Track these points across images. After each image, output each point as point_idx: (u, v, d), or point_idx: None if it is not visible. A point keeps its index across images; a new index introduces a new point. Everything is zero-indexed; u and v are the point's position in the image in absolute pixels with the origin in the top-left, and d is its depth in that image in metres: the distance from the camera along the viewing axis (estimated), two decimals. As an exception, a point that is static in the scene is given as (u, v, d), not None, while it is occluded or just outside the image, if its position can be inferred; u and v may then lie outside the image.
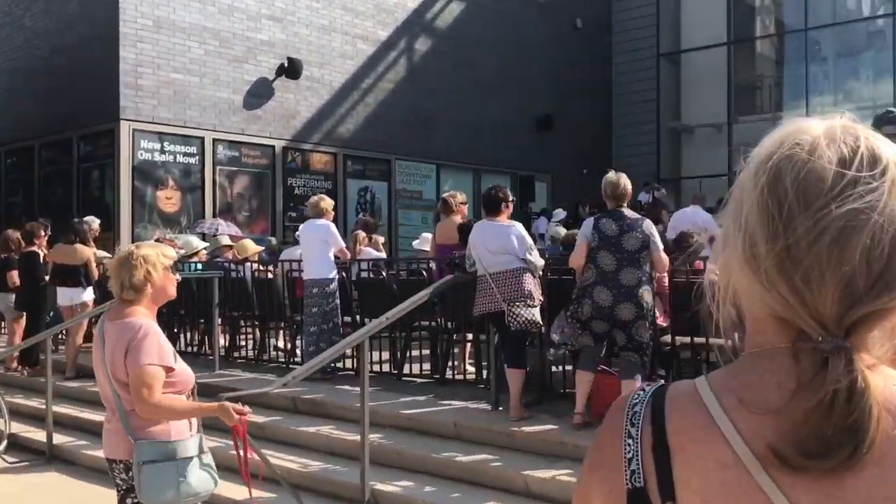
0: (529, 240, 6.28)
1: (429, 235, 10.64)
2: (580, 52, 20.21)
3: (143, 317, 3.49)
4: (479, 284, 6.32)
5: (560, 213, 15.21)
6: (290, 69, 14.91)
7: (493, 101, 18.24)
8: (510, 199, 6.43)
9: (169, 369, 3.41)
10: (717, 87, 19.97)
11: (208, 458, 3.56)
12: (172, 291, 3.65)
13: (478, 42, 18.03)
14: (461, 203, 8.50)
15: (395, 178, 17.00)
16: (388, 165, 16.91)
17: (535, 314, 6.12)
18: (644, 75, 20.36)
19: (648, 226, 5.72)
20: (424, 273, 7.76)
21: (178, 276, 3.69)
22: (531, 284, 6.18)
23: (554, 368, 6.86)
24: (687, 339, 6.11)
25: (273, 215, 15.08)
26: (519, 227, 6.32)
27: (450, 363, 7.97)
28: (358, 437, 6.24)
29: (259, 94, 14.74)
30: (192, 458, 3.49)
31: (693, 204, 11.55)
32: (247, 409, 3.61)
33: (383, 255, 10.58)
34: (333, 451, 6.46)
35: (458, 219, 8.31)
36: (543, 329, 6.34)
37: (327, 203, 8.20)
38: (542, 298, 6.22)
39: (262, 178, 14.96)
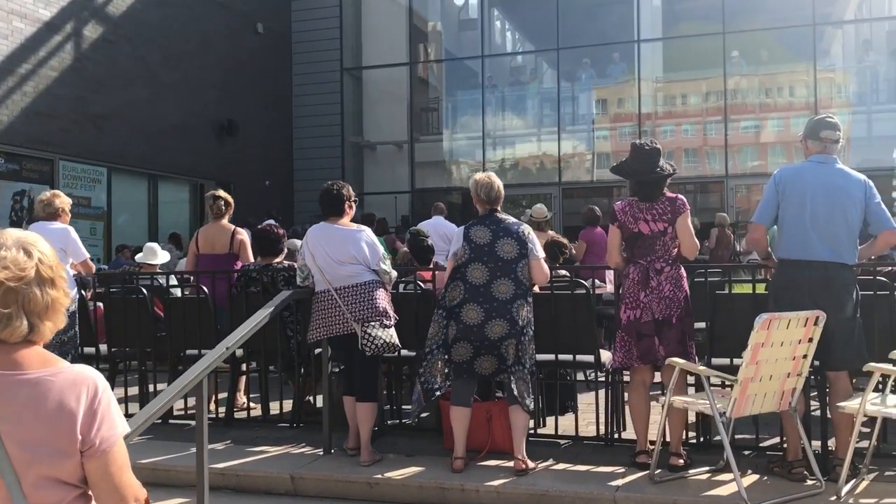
0: (381, 247, 5.29)
1: (155, 245, 8.99)
2: (262, 57, 19.14)
3: (63, 362, 2.03)
4: (320, 302, 5.19)
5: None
6: (-73, 41, 11.89)
7: (171, 101, 16.45)
8: (353, 198, 5.39)
9: None
10: (398, 105, 20.12)
11: None
12: None
13: (154, 35, 16.13)
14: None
15: (59, 181, 14.41)
16: (51, 166, 14.30)
17: (394, 335, 5.15)
18: (327, 88, 19.83)
19: (527, 231, 5.06)
20: (206, 290, 6.25)
21: None
22: (385, 300, 5.20)
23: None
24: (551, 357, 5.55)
25: None
26: (369, 232, 5.30)
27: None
28: (159, 506, 4.79)
29: None
30: None
31: (435, 214, 11.20)
32: None
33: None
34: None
35: (227, 223, 6.93)
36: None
37: (64, 201, 6.34)
38: (396, 317, 5.25)
39: None
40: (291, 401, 6.38)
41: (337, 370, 5.67)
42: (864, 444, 4.75)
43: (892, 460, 4.89)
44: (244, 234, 6.91)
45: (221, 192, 6.91)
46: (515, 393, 4.87)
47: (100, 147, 15.00)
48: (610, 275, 8.31)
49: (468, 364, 4.89)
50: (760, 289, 5.26)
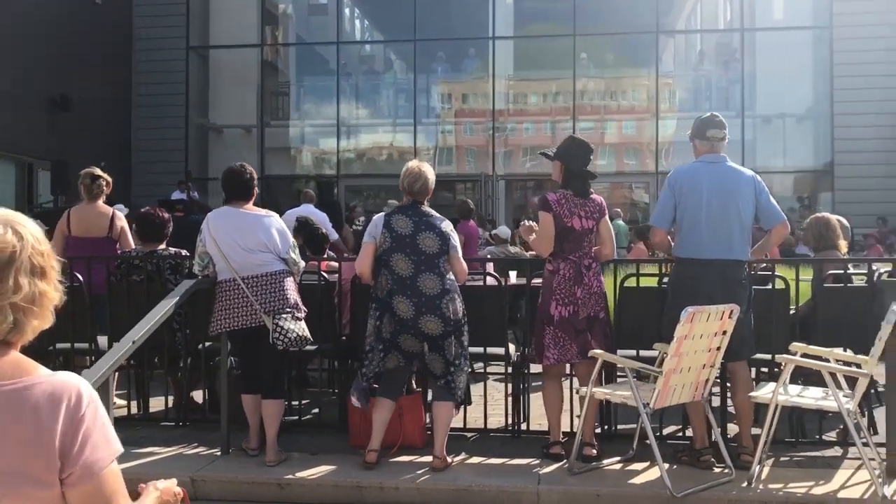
0: (290, 235, 5.00)
1: (0, 230, 8.10)
2: (100, 30, 17.86)
3: (43, 370, 1.70)
4: (225, 292, 4.83)
5: (122, 210, 13.05)
6: None
7: (-4, 71, 15.02)
8: (256, 181, 5.07)
9: None
10: (246, 88, 19.42)
11: None
12: None
13: (-22, -2, 14.68)
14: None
15: None
16: None
17: (305, 328, 4.87)
18: (171, 66, 18.79)
19: (448, 227, 4.92)
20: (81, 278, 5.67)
21: None
22: (296, 291, 4.93)
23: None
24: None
25: None
26: (277, 217, 5.00)
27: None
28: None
29: None
30: None
31: (304, 202, 10.87)
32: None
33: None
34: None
35: (103, 204, 6.36)
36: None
37: None
38: (305, 309, 4.98)
39: None
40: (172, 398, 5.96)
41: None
42: (756, 430, 4.98)
43: (783, 447, 5.15)
44: (123, 219, 6.37)
45: (99, 171, 6.34)
46: (449, 388, 4.75)
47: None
48: (489, 267, 8.35)
49: (420, 358, 4.75)
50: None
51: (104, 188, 6.26)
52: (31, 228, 1.69)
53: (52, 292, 1.69)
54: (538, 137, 19.72)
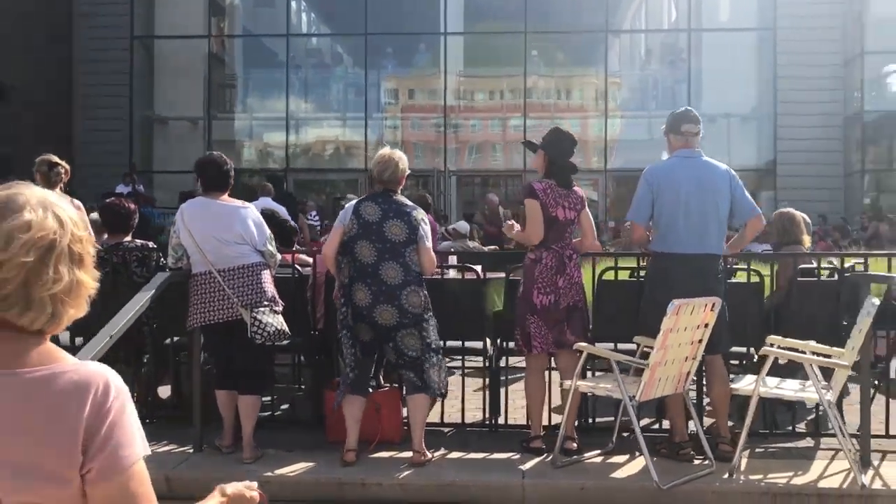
0: (267, 227, 4.88)
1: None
2: (41, 17, 17.27)
3: (72, 359, 1.59)
4: (200, 285, 4.70)
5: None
6: None
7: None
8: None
9: None
10: (193, 79, 19.01)
11: None
12: None
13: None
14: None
15: None
16: None
17: (283, 322, 4.76)
18: (115, 56, 18.25)
19: (419, 216, 4.83)
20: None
21: None
22: (272, 284, 4.80)
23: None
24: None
25: None
26: (254, 209, 4.88)
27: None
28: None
29: None
30: None
31: (262, 195, 10.72)
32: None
33: None
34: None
35: (61, 193, 6.11)
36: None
37: None
38: (282, 302, 4.86)
39: None
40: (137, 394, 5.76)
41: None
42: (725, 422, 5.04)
43: (757, 438, 5.21)
44: (83, 209, 6.13)
45: (56, 158, 6.09)
46: (421, 382, 4.68)
47: None
48: (453, 260, 8.31)
49: (377, 343, 4.69)
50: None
51: (63, 176, 6.03)
52: (70, 212, 1.57)
53: (90, 281, 1.58)
54: (488, 134, 19.76)
